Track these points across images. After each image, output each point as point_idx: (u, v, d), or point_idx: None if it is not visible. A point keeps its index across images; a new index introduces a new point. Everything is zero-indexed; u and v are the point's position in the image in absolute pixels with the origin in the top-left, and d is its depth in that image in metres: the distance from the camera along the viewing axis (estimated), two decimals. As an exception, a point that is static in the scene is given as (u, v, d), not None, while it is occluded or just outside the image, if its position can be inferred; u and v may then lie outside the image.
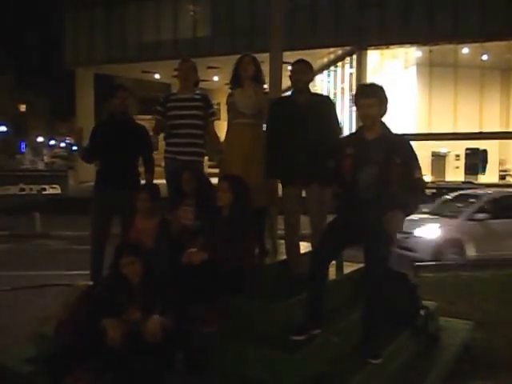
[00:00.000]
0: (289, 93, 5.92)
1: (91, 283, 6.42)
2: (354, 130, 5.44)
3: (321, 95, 6.33)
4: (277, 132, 5.73)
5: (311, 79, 5.83)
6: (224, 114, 6.47)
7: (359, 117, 5.07)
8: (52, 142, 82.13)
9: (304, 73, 5.71)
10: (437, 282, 9.70)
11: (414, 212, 5.03)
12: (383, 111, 4.97)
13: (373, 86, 5.18)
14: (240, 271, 5.15)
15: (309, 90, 5.81)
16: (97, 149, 6.54)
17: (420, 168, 4.91)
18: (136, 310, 4.77)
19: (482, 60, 35.27)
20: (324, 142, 5.36)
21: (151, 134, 6.85)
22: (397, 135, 5.11)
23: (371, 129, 4.96)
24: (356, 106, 5.06)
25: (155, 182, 6.44)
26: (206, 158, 7.25)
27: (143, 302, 4.80)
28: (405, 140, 5.03)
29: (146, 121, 7.02)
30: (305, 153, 5.44)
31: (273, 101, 6.15)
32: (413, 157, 4.91)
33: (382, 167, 4.78)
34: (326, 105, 5.83)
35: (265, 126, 6.16)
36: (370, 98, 4.92)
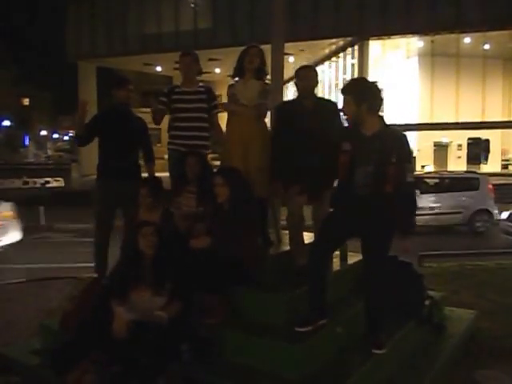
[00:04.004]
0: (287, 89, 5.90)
1: (95, 276, 6.44)
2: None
3: (326, 100, 6.30)
4: (282, 136, 5.74)
5: (316, 84, 5.84)
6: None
7: None
8: (55, 136, 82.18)
9: (310, 79, 5.72)
10: (441, 272, 9.71)
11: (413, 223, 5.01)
12: (365, 108, 4.77)
13: (351, 81, 5.19)
14: (241, 262, 5.16)
15: (314, 94, 5.83)
16: (92, 134, 6.54)
17: (413, 171, 4.87)
18: (145, 289, 4.82)
19: (484, 49, 35.21)
20: (328, 145, 5.28)
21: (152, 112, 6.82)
22: (395, 131, 4.97)
23: (366, 125, 4.84)
24: None
25: (158, 174, 6.44)
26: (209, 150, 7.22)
27: (153, 281, 4.87)
28: (403, 138, 4.89)
29: (147, 113, 6.97)
30: (310, 155, 5.36)
31: (278, 104, 6.16)
32: (408, 158, 4.84)
33: (379, 165, 4.71)
34: (330, 109, 5.82)
35: (269, 115, 6.17)
36: (345, 95, 4.88)
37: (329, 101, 6.25)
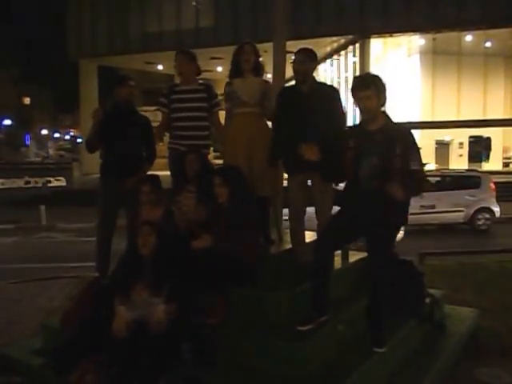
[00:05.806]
0: (293, 82, 5.89)
1: (97, 275, 6.44)
2: (358, 120, 5.36)
3: (325, 84, 6.30)
4: (281, 121, 5.75)
5: (314, 68, 5.80)
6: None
7: (359, 110, 4.98)
8: (56, 135, 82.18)
9: (306, 62, 5.68)
10: (442, 270, 9.69)
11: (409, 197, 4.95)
12: (382, 101, 4.89)
13: (367, 76, 5.15)
14: (241, 262, 5.16)
15: (312, 78, 5.79)
16: (99, 138, 6.53)
17: (419, 160, 4.81)
18: (144, 290, 4.81)
19: (485, 47, 35.17)
20: (327, 129, 5.31)
21: (156, 124, 6.81)
22: (399, 126, 5.03)
23: (373, 120, 4.90)
24: (354, 99, 4.96)
25: (159, 173, 6.42)
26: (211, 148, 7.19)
27: (152, 282, 4.85)
28: (407, 131, 4.95)
29: (149, 112, 6.97)
30: (307, 140, 5.39)
31: (279, 90, 6.15)
32: (413, 148, 4.81)
33: (383, 158, 4.72)
34: (328, 93, 5.79)
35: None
36: (367, 90, 4.83)
37: (328, 85, 6.21)
